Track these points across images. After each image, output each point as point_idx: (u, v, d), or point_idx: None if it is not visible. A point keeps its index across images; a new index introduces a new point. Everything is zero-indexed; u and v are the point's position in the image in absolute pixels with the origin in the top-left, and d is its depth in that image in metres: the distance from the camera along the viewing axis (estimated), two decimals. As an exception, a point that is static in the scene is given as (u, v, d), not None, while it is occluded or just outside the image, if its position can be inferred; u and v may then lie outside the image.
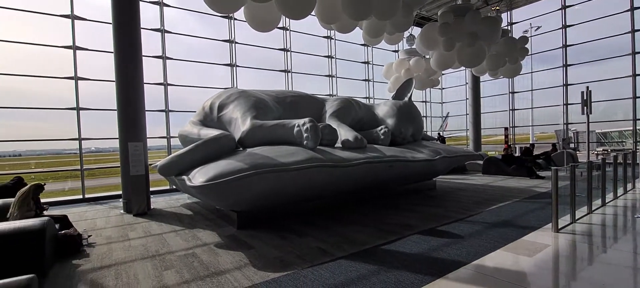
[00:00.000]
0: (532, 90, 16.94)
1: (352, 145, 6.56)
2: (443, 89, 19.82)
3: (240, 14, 6.28)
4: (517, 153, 14.51)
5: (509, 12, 16.12)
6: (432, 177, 8.85)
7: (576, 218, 5.12)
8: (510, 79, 16.63)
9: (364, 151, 6.47)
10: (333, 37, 14.06)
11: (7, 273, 3.20)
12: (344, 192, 6.77)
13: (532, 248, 4.01)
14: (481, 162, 12.11)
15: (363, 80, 15.70)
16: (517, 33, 15.78)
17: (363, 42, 15.21)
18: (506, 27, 15.10)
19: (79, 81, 8.77)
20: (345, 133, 6.87)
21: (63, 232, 4.65)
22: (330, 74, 14.21)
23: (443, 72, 14.99)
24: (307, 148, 5.73)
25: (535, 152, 13.74)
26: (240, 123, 6.39)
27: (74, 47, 8.67)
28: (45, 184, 5.05)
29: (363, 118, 8.50)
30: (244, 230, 5.38)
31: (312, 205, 6.48)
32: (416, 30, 13.37)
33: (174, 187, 9.01)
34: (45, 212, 5.04)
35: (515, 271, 3.45)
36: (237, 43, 11.30)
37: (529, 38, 12.65)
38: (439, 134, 18.17)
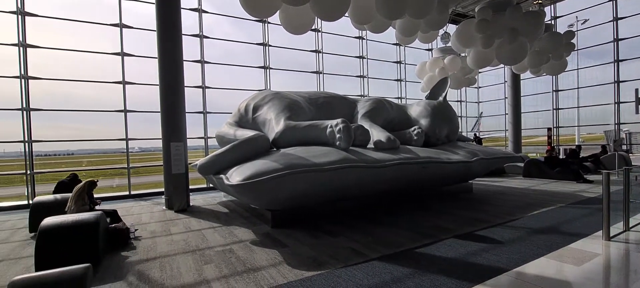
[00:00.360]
0: (578, 88, 15.82)
1: (384, 146, 6.51)
2: (479, 87, 19.05)
3: (273, 17, 6.44)
4: (562, 156, 13.63)
5: (552, 6, 15.17)
6: (468, 179, 8.55)
7: (630, 226, 4.74)
8: (554, 77, 15.64)
9: (397, 152, 6.39)
10: (364, 37, 13.98)
11: (65, 261, 3.53)
12: (376, 193, 6.73)
13: (580, 257, 3.77)
14: (521, 165, 11.50)
15: (395, 80, 15.47)
16: (561, 27, 14.84)
17: (395, 42, 15.02)
18: (549, 22, 14.26)
19: (126, 85, 9.40)
20: (377, 134, 6.83)
21: (113, 225, 5.02)
22: (361, 74, 14.15)
23: (480, 70, 14.42)
24: (339, 149, 5.76)
25: (582, 154, 12.84)
26: (274, 124, 6.55)
27: (122, 54, 9.31)
28: (97, 181, 5.47)
29: (395, 118, 8.39)
30: (278, 229, 5.51)
31: (344, 205, 6.50)
32: (451, 28, 12.97)
33: (211, 185, 9.39)
34: (97, 207, 5.46)
35: (561, 280, 3.26)
36: (271, 46, 11.57)
37: (575, 32, 11.84)
38: (475, 134, 17.48)
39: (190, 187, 8.46)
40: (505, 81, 17.00)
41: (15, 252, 4.74)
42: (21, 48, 8.18)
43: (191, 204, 7.90)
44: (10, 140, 8.48)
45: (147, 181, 19.13)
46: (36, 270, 3.67)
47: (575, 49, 12.16)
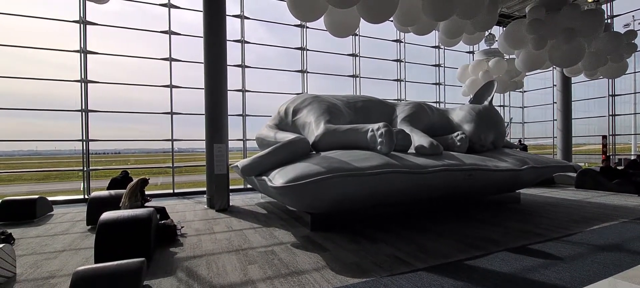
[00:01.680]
0: (635, 92, 14.44)
1: (427, 151, 6.30)
2: (524, 91, 17.99)
3: (311, 22, 6.47)
4: (620, 166, 12.48)
5: (608, 4, 14.01)
6: (516, 188, 8.04)
7: None
8: (610, 80, 14.39)
9: (441, 158, 6.15)
10: (402, 40, 13.70)
11: (121, 254, 3.72)
12: (418, 199, 6.51)
13: (658, 280, 3.38)
14: (573, 174, 10.67)
15: (433, 83, 15.01)
16: (616, 27, 13.63)
17: (434, 44, 14.60)
18: (606, 21, 13.17)
19: (173, 89, 9.86)
20: (418, 139, 6.62)
21: (162, 221, 5.25)
22: (398, 78, 13.87)
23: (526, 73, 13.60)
24: (380, 153, 5.65)
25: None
26: (314, 127, 6.56)
27: (170, 59, 9.79)
28: (149, 179, 5.75)
29: (436, 123, 8.12)
30: (317, 232, 5.49)
31: (384, 211, 6.35)
32: (493, 29, 12.37)
33: (250, 186, 9.58)
34: (148, 203, 5.73)
35: (638, 305, 2.93)
36: (309, 50, 11.66)
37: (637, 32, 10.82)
38: (519, 140, 16.51)
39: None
40: (553, 85, 15.92)
41: (75, 243, 5.09)
42: (82, 54, 8.86)
43: (231, 204, 8.10)
44: (67, 138, 9.20)
45: (185, 180, 19.98)
46: (95, 261, 3.90)
47: (637, 50, 11.11)
